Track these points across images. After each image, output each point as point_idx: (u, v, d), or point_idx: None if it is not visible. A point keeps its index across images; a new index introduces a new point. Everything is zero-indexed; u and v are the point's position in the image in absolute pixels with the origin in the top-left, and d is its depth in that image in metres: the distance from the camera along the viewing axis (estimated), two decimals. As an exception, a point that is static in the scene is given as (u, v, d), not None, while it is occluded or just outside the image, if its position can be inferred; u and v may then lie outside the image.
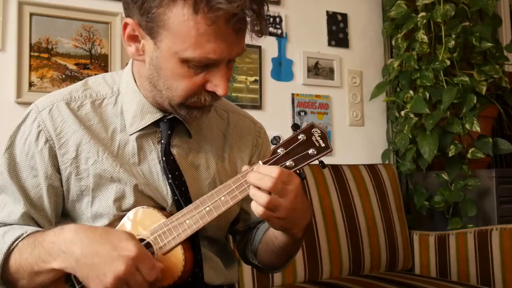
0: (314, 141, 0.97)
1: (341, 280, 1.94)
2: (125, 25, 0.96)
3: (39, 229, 0.98)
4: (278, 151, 0.96)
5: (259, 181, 0.91)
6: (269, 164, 0.96)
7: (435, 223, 2.41)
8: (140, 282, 0.87)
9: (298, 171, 0.97)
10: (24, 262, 0.92)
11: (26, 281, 0.93)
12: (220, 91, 0.95)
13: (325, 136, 0.97)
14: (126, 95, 1.06)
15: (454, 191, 2.23)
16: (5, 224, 1.00)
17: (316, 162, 0.98)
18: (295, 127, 0.99)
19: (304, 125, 0.98)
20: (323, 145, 0.96)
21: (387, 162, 2.52)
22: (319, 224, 2.00)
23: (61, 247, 0.89)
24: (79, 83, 1.09)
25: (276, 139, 0.98)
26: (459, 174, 2.25)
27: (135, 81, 1.05)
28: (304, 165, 0.96)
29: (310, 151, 0.96)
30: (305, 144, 0.96)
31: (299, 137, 0.97)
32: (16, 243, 0.94)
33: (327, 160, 0.98)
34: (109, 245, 0.87)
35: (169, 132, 1.04)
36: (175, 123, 1.05)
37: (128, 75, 1.07)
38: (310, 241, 1.96)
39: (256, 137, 1.20)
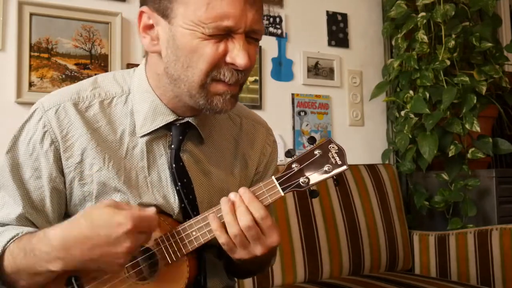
0: (331, 157, 0.93)
1: (341, 280, 1.94)
2: (141, 14, 0.95)
3: (33, 229, 0.95)
4: (293, 166, 0.93)
5: (239, 214, 0.90)
6: (282, 180, 0.92)
7: (435, 223, 2.40)
8: (148, 237, 0.89)
9: (311, 189, 0.93)
10: (19, 264, 0.90)
11: (25, 282, 0.92)
12: (239, 60, 0.90)
13: (342, 153, 0.94)
14: (137, 95, 1.02)
15: (454, 191, 2.23)
16: (3, 224, 0.98)
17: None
18: (311, 140, 0.95)
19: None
20: (339, 162, 0.93)
21: (387, 162, 2.52)
22: (319, 224, 2.00)
23: (57, 255, 0.86)
24: (89, 81, 1.05)
25: (290, 152, 0.94)
26: (459, 174, 2.25)
27: (148, 81, 1.02)
28: (318, 183, 0.92)
29: (326, 168, 0.92)
30: (321, 160, 0.93)
31: (315, 152, 0.93)
32: (8, 244, 0.92)
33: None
34: (102, 230, 0.84)
35: (180, 137, 1.01)
36: (187, 128, 1.02)
37: (141, 75, 1.03)
38: (310, 241, 1.96)
39: (265, 144, 1.17)
